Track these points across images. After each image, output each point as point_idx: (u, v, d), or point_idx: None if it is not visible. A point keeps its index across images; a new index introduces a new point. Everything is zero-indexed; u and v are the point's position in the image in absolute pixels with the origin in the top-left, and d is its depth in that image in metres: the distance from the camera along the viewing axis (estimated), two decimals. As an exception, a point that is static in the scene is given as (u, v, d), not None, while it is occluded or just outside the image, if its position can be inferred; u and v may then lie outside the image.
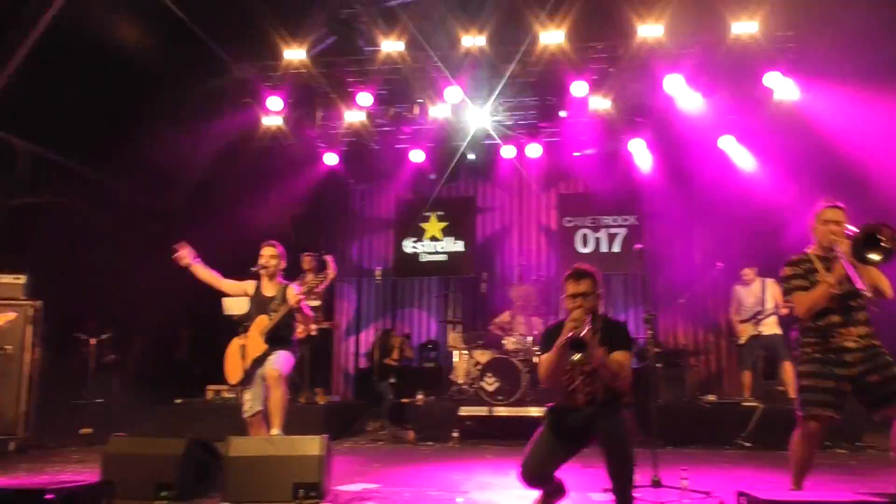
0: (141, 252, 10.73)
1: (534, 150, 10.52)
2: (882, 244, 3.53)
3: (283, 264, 5.64)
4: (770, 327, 7.99)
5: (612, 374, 3.54)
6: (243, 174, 10.99)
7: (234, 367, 5.49)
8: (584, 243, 10.82)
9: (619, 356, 3.59)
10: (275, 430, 5.09)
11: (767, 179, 9.56)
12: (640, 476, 4.45)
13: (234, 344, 5.52)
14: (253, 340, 5.34)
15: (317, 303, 8.40)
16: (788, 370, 7.61)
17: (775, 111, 9.05)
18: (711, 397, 8.21)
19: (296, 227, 12.02)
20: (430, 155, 10.79)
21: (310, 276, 8.73)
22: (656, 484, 4.29)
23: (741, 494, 3.14)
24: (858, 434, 7.02)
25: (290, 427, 5.29)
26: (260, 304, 5.52)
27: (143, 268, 10.63)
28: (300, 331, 8.00)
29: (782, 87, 8.78)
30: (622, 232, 10.78)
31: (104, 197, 10.04)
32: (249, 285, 5.64)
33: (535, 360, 8.23)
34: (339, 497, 4.28)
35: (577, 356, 3.43)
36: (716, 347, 10.59)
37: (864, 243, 3.58)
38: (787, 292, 3.99)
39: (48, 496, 3.01)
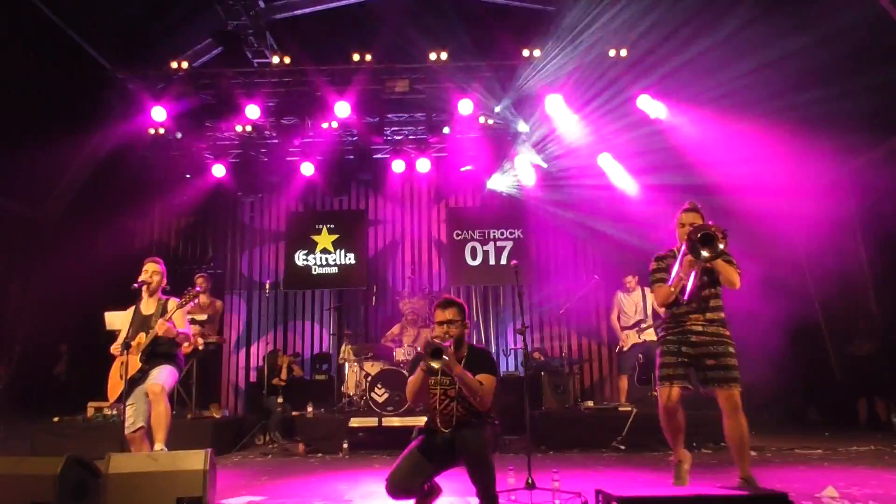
0: (13, 264, 10.21)
1: (423, 165, 10.80)
2: (715, 243, 4.07)
3: (164, 281, 5.59)
4: (651, 334, 8.42)
5: (472, 391, 3.82)
6: (127, 185, 10.67)
7: (114, 386, 5.41)
8: (474, 256, 11.17)
9: (481, 377, 3.89)
10: (158, 446, 5.04)
11: (643, 194, 10.25)
12: (517, 479, 4.76)
13: (116, 362, 5.43)
14: (133, 358, 5.27)
15: (203, 317, 8.30)
16: (732, 356, 8.17)
17: (647, 131, 9.75)
18: (590, 403, 8.67)
19: (183, 239, 11.78)
20: (320, 168, 10.86)
21: (203, 298, 8.62)
22: (530, 486, 4.57)
23: (598, 492, 3.44)
24: (722, 435, 7.65)
25: (179, 443, 5.26)
26: (139, 322, 5.45)
27: (16, 281, 10.11)
28: (186, 346, 7.89)
29: (653, 109, 9.46)
30: (509, 245, 11.21)
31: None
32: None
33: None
34: (223, 510, 4.31)
35: (435, 364, 3.70)
36: (598, 355, 11.17)
37: (700, 242, 4.10)
38: (651, 283, 4.54)
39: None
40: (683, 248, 4.23)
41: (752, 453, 6.94)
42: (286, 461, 7.18)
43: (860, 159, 9.24)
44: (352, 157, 11.09)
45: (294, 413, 8.24)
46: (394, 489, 3.95)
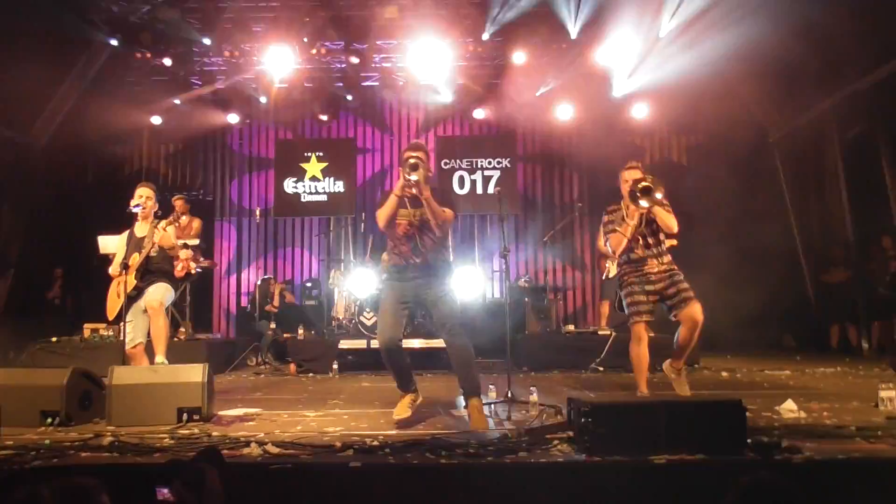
0: (4, 190, 10.25)
1: (412, 93, 10.80)
2: (654, 193, 4.81)
3: (156, 206, 5.72)
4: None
5: (435, 214, 4.30)
6: (115, 111, 10.62)
7: (112, 305, 5.60)
8: (461, 185, 11.29)
9: (444, 208, 4.41)
10: (159, 358, 5.29)
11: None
12: (497, 392, 5.05)
13: (114, 283, 5.61)
14: (129, 277, 5.46)
15: (195, 242, 8.44)
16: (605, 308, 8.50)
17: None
18: (571, 328, 8.99)
19: (172, 165, 11.82)
20: (310, 94, 10.84)
21: (183, 219, 8.74)
22: (511, 399, 4.87)
23: (570, 400, 3.70)
24: (696, 358, 8.03)
25: (174, 362, 5.48)
26: (134, 244, 5.62)
27: (8, 206, 10.18)
28: (180, 269, 8.08)
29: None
30: (496, 174, 11.33)
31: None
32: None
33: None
34: (221, 420, 4.57)
35: (413, 176, 4.20)
36: (580, 283, 11.47)
37: (640, 193, 4.85)
38: (605, 233, 5.24)
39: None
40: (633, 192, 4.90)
41: (724, 374, 7.38)
42: (278, 380, 7.49)
43: (846, 89, 9.29)
44: (340, 84, 11.06)
45: (286, 335, 8.50)
46: (385, 344, 4.45)
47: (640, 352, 4.98)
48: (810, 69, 8.73)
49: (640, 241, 5.00)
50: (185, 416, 4.31)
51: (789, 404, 4.57)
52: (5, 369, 4.53)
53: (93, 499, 1.72)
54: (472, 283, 9.53)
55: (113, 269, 5.60)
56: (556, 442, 3.52)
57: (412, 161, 4.24)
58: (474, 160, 11.36)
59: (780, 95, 9.94)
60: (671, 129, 11.28)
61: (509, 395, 4.82)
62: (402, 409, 4.50)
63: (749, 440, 3.26)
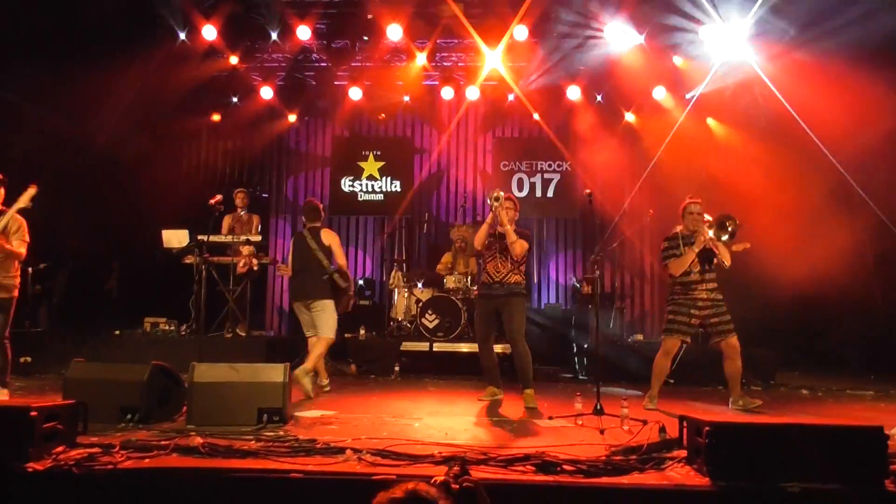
0: (63, 182, 10.31)
1: (472, 93, 10.62)
2: (729, 228, 5.43)
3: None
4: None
5: (511, 240, 5.62)
6: (175, 106, 10.63)
7: None
8: (520, 188, 11.08)
9: (518, 239, 5.71)
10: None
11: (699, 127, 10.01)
12: (584, 405, 4.84)
13: None
14: None
15: (257, 238, 8.37)
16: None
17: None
18: (639, 337, 8.71)
19: (230, 162, 11.81)
20: (368, 93, 10.73)
21: (242, 214, 8.70)
22: (599, 412, 4.66)
23: (683, 418, 3.47)
24: (772, 374, 7.72)
25: (234, 359, 5.33)
26: None
27: (67, 199, 10.24)
28: (242, 265, 8.04)
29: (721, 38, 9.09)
30: (556, 177, 11.09)
31: (23, 122, 9.52)
32: None
33: (474, 298, 8.56)
34: (300, 422, 4.44)
35: (495, 203, 5.56)
36: (640, 291, 11.15)
37: (718, 226, 5.47)
38: (664, 258, 5.72)
39: (32, 413, 3.04)
40: (702, 231, 5.52)
41: (804, 391, 7.05)
42: (339, 381, 7.34)
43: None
44: (400, 82, 10.93)
45: (346, 335, 8.37)
46: (481, 342, 5.91)
47: (665, 364, 5.68)
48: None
49: (697, 268, 5.58)
50: (265, 417, 4.19)
51: (901, 429, 4.28)
52: (85, 364, 4.44)
53: None
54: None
55: None
56: (668, 462, 3.29)
57: (496, 194, 5.60)
58: (534, 162, 11.14)
59: None
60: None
61: (598, 407, 4.61)
62: (486, 395, 5.82)
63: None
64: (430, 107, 11.41)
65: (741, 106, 9.52)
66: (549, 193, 10.97)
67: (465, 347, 7.89)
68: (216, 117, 11.15)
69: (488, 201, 5.61)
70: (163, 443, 3.49)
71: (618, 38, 9.23)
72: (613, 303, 9.54)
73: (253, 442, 3.62)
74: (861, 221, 9.63)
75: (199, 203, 7.47)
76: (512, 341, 5.74)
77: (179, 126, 11.06)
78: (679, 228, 5.75)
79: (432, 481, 1.71)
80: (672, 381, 7.41)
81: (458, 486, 1.70)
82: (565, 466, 3.16)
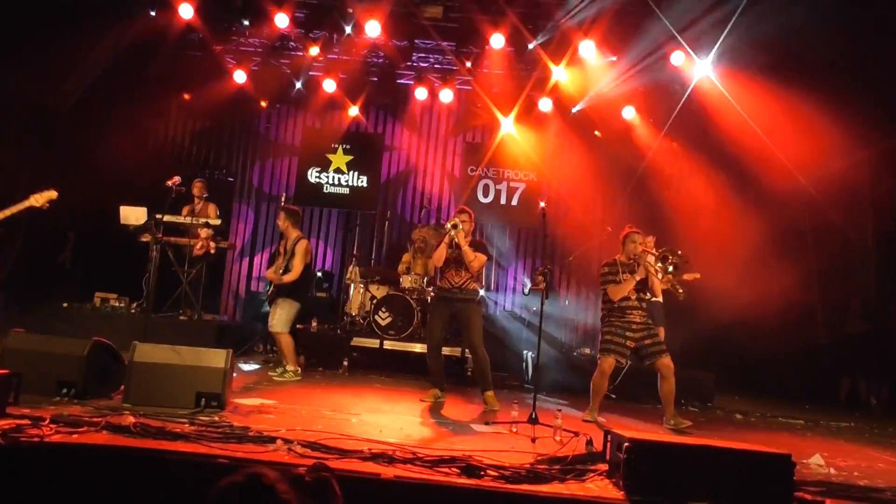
0: (25, 149, 10.12)
1: (445, 95, 10.70)
2: (671, 261, 5.72)
3: None
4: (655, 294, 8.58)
5: (469, 258, 5.87)
6: (145, 81, 10.52)
7: None
8: (486, 194, 11.18)
9: (476, 253, 5.95)
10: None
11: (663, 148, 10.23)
12: (519, 413, 4.95)
13: None
14: None
15: (217, 222, 8.33)
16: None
17: (676, 87, 9.66)
18: (586, 350, 8.86)
19: (197, 142, 11.70)
20: (342, 86, 10.75)
21: (198, 204, 8.65)
22: (533, 421, 4.76)
23: (608, 433, 3.60)
24: (711, 396, 7.94)
25: (181, 341, 5.34)
26: None
27: (27, 166, 10.05)
28: (199, 247, 8.00)
29: (685, 65, 9.33)
30: (522, 187, 11.21)
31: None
32: None
33: (429, 299, 8.63)
34: (239, 409, 4.46)
35: (453, 230, 5.82)
36: (595, 306, 11.31)
37: (660, 260, 5.77)
38: (603, 283, 6.00)
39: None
40: (644, 257, 5.84)
41: (738, 416, 7.27)
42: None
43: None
44: (375, 78, 10.96)
45: (298, 326, 8.36)
46: (431, 345, 6.09)
47: (602, 383, 5.92)
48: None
49: (635, 295, 5.86)
50: (203, 402, 4.21)
51: (818, 459, 4.47)
52: (25, 334, 4.40)
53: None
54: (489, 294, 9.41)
55: None
56: (590, 474, 3.41)
57: (454, 222, 5.87)
58: (501, 170, 11.26)
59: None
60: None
61: (534, 416, 4.72)
62: (429, 397, 5.93)
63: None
64: (402, 105, 11.46)
65: (701, 132, 9.75)
66: (514, 202, 11.10)
67: (417, 347, 7.95)
68: (186, 97, 11.05)
69: (447, 227, 5.89)
70: (95, 419, 3.51)
71: (591, 56, 9.40)
72: (571, 315, 9.71)
73: (187, 425, 3.65)
74: (807, 255, 9.98)
75: (163, 181, 7.42)
76: (471, 347, 6.01)
77: (149, 102, 10.93)
78: (618, 256, 6.02)
79: (291, 472, 1.73)
80: (613, 396, 7.59)
81: (310, 479, 1.73)
82: (489, 472, 3.25)
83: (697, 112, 9.47)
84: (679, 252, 5.80)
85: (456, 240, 5.85)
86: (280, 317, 6.70)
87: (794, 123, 8.72)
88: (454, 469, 3.25)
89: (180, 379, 4.20)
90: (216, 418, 3.95)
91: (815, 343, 10.49)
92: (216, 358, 4.33)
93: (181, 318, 7.99)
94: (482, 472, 3.23)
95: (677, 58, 9.27)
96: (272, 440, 3.42)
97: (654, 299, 7.30)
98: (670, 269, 5.74)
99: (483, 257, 6.02)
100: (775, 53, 8.32)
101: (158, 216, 7.38)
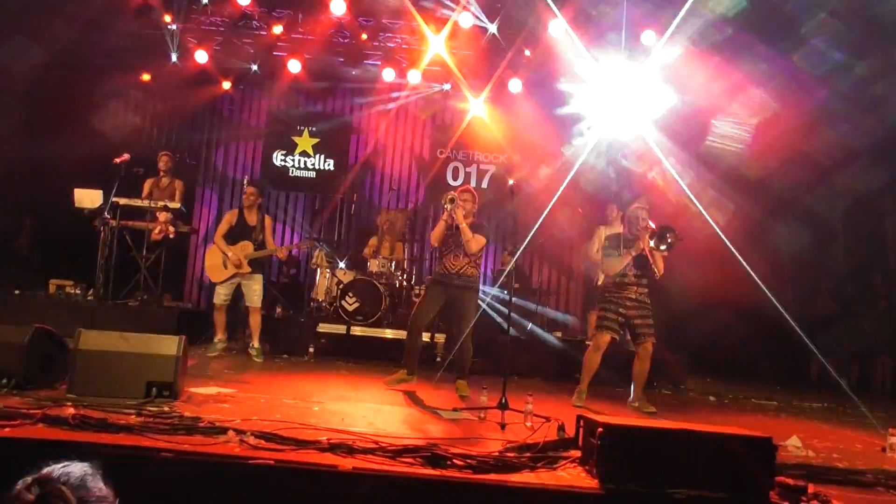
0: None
1: (414, 77, 10.45)
2: (668, 240, 5.52)
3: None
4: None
5: (466, 237, 5.54)
6: (104, 60, 10.10)
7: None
8: (455, 176, 10.98)
9: (475, 234, 5.61)
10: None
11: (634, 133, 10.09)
12: (489, 399, 4.77)
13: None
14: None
15: (176, 205, 8.01)
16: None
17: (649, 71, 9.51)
18: (558, 334, 8.72)
19: (158, 124, 11.31)
20: (307, 67, 10.43)
21: (164, 178, 8.35)
22: (503, 406, 4.59)
23: (580, 418, 3.43)
24: (684, 379, 7.86)
25: (143, 328, 5.12)
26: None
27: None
28: (157, 231, 7.70)
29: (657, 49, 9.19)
30: (492, 169, 11.03)
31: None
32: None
33: (398, 284, 8.41)
34: (193, 398, 4.22)
35: (449, 205, 5.51)
36: (566, 289, 11.20)
37: (658, 237, 5.56)
38: (603, 256, 5.90)
39: None
40: (643, 237, 5.64)
41: (711, 398, 7.21)
42: (250, 358, 7.07)
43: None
44: (341, 59, 10.66)
45: (262, 313, 8.10)
46: (414, 321, 5.74)
47: (595, 359, 5.79)
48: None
49: (633, 271, 5.74)
50: (153, 391, 3.96)
51: (795, 441, 4.37)
52: (-37, 322, 4.12)
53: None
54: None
55: None
56: (562, 462, 3.24)
57: (451, 196, 5.58)
58: (471, 152, 11.05)
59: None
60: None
61: (504, 401, 4.55)
62: (394, 380, 5.58)
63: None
64: (370, 87, 11.17)
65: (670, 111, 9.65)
66: (484, 184, 10.90)
67: (386, 333, 7.76)
68: (146, 77, 10.63)
69: (444, 202, 5.58)
70: (32, 411, 3.25)
71: (560, 35, 9.22)
72: (538, 297, 9.56)
73: (133, 416, 3.41)
74: (777, 237, 9.95)
75: (122, 164, 7.10)
76: (459, 334, 5.70)
77: (107, 81, 10.50)
78: (621, 230, 5.95)
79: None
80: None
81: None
82: (455, 461, 3.07)
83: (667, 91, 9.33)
84: (675, 229, 5.62)
85: (454, 216, 5.49)
86: (259, 293, 7.00)
87: (764, 106, 8.69)
88: (418, 459, 3.06)
89: (129, 367, 3.94)
90: (166, 408, 3.71)
91: (785, 324, 10.49)
92: (168, 345, 4.08)
93: (130, 304, 7.66)
94: (448, 462, 3.04)
95: (647, 37, 9.15)
96: (223, 431, 3.20)
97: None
98: (662, 247, 5.57)
99: (482, 239, 5.69)
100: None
101: (114, 199, 7.08)
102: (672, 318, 8.71)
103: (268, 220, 7.25)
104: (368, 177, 11.26)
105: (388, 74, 10.54)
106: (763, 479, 2.95)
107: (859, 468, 3.72)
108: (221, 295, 7.05)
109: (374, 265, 8.27)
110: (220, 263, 7.06)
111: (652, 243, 5.59)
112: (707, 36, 8.62)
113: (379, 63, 10.65)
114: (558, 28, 9.15)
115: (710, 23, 8.35)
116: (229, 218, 7.23)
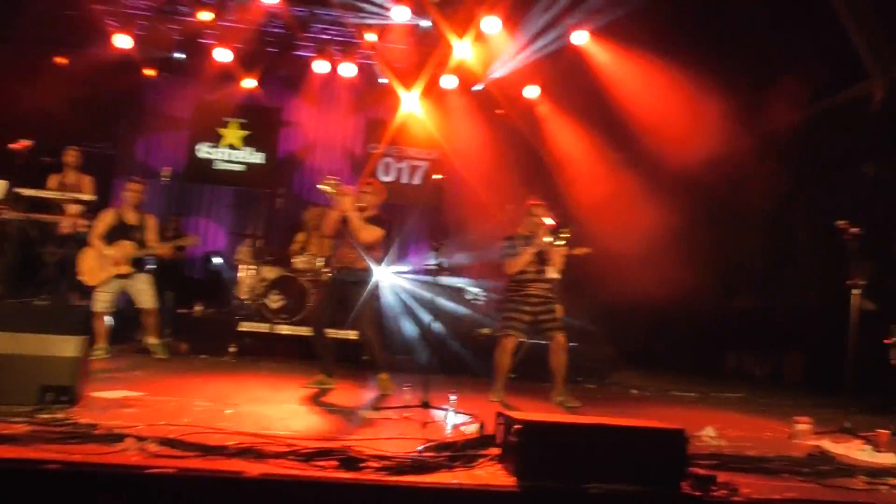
0: None
1: (347, 70, 10.27)
2: (563, 235, 5.55)
3: None
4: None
5: (356, 228, 5.42)
6: (15, 42, 9.54)
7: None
8: (387, 172, 10.85)
9: (370, 227, 5.49)
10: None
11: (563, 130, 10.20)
12: (412, 397, 4.68)
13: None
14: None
15: (90, 198, 7.59)
16: (559, 311, 8.31)
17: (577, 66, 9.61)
18: (486, 330, 8.67)
19: (75, 111, 10.75)
20: (237, 56, 10.11)
21: (70, 174, 7.92)
22: (425, 405, 4.50)
23: (499, 415, 3.37)
24: (608, 373, 7.95)
25: (47, 329, 4.78)
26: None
27: None
28: (65, 225, 7.30)
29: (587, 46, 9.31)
30: (424, 165, 10.94)
31: None
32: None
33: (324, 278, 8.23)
34: (95, 403, 3.97)
35: (326, 188, 5.33)
36: (495, 287, 11.18)
37: (554, 233, 5.56)
38: (504, 256, 5.80)
39: None
40: (540, 230, 5.60)
41: (634, 391, 7.31)
42: (165, 358, 6.77)
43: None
44: (273, 49, 10.38)
45: (179, 310, 7.81)
46: (315, 321, 5.72)
47: (504, 360, 5.76)
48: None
49: (534, 268, 5.71)
50: (48, 397, 3.69)
51: (710, 431, 4.44)
52: None
53: None
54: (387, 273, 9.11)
55: None
56: (480, 460, 3.17)
57: (332, 181, 5.39)
58: (403, 148, 10.94)
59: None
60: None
61: (426, 399, 4.46)
62: (313, 382, 5.46)
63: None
64: (301, 79, 10.92)
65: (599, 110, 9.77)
66: (416, 181, 10.81)
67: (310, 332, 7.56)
68: (61, 60, 10.09)
69: (320, 187, 5.39)
70: None
71: (495, 32, 9.22)
72: (473, 295, 9.53)
73: (22, 425, 3.16)
74: (699, 232, 10.18)
75: (32, 154, 6.67)
76: (358, 329, 5.70)
77: (15, 64, 9.91)
78: (520, 229, 5.90)
79: None
80: (513, 375, 7.46)
81: None
82: (370, 462, 2.95)
83: (597, 91, 9.44)
84: (572, 226, 5.70)
85: (339, 203, 5.35)
86: (149, 291, 6.70)
87: (687, 102, 8.86)
88: (332, 462, 2.93)
89: (20, 370, 3.66)
90: (61, 415, 3.45)
91: (704, 317, 10.77)
92: (66, 346, 3.82)
93: (35, 302, 7.22)
94: (362, 464, 2.93)
95: (579, 37, 9.24)
96: (121, 438, 2.99)
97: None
98: (558, 243, 5.59)
99: (376, 231, 5.53)
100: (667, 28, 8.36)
101: (18, 190, 6.64)
102: (598, 314, 8.83)
103: (150, 219, 6.89)
104: (298, 171, 11.00)
105: (321, 67, 10.34)
106: (675, 470, 2.96)
107: (767, 455, 3.81)
108: (100, 301, 6.55)
109: (299, 262, 8.06)
110: (96, 266, 6.63)
111: (549, 239, 5.58)
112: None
113: (312, 55, 10.43)
114: (491, 25, 9.14)
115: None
116: (105, 217, 6.77)
